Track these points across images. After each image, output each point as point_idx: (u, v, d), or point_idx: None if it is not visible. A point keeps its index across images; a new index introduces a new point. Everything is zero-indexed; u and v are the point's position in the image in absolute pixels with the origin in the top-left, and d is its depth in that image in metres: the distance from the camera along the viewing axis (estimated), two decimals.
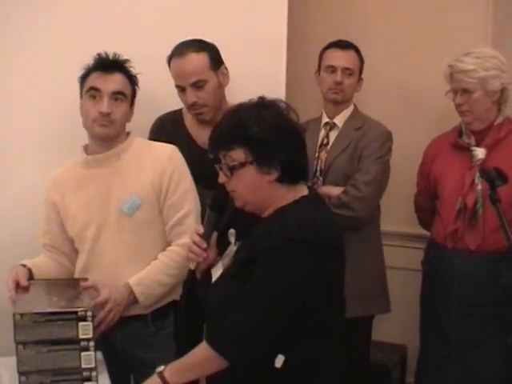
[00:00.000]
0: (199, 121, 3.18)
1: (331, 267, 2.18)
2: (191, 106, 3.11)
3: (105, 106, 2.73)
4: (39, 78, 3.15)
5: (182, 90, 3.10)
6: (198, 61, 3.07)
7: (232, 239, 2.32)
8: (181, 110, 3.28)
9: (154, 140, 3.02)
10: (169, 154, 2.83)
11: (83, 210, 2.81)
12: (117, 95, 2.76)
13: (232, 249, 2.31)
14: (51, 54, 3.15)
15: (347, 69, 3.46)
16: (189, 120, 3.26)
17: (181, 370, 2.15)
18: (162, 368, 2.15)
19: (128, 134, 2.89)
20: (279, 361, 2.11)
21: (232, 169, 2.16)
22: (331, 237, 2.16)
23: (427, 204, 3.57)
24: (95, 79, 2.77)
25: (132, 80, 2.84)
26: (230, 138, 2.15)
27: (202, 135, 3.08)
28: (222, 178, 2.21)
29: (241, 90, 3.34)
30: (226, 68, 3.17)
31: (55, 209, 2.87)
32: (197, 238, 2.31)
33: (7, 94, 3.16)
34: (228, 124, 2.18)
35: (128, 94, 2.81)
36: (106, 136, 2.78)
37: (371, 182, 3.35)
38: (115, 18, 3.24)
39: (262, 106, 2.21)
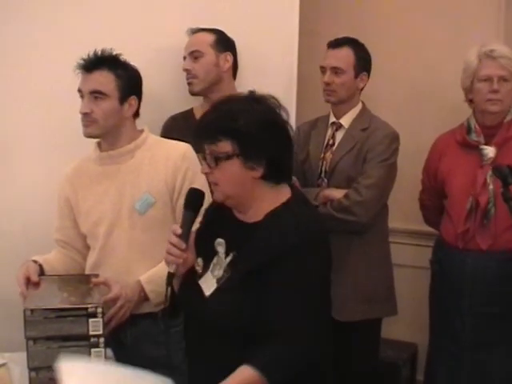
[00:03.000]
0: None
1: (328, 265, 2.16)
2: (186, 75, 3.27)
3: (82, 106, 2.74)
4: (46, 74, 3.15)
5: (184, 59, 3.27)
6: (201, 36, 3.29)
7: (220, 249, 2.23)
8: (191, 109, 3.35)
9: (166, 137, 3.02)
10: (183, 152, 2.82)
11: (96, 206, 2.81)
12: (95, 94, 2.74)
13: (222, 259, 2.21)
14: (57, 48, 3.15)
15: (335, 68, 3.38)
16: (199, 113, 3.27)
17: None
18: None
19: (141, 131, 2.88)
20: None
21: (217, 160, 2.10)
22: (325, 236, 2.16)
23: (433, 202, 3.55)
24: (80, 80, 2.78)
25: (121, 75, 2.78)
26: (217, 128, 2.10)
27: None
28: (204, 169, 2.16)
29: (253, 86, 3.36)
30: (231, 57, 3.29)
31: (68, 204, 2.88)
32: (175, 240, 2.19)
33: (15, 89, 3.17)
34: (217, 114, 2.13)
35: (109, 91, 2.75)
36: (91, 135, 2.79)
37: (373, 186, 3.29)
38: (126, 14, 3.24)
39: (254, 99, 2.18)
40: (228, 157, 2.09)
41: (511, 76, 3.19)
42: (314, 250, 2.08)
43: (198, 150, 2.20)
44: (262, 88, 3.29)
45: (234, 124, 2.08)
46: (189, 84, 3.26)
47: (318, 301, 2.08)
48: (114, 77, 2.76)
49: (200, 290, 2.20)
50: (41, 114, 3.17)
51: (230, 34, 3.25)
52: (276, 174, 2.15)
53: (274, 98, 2.20)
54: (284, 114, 2.19)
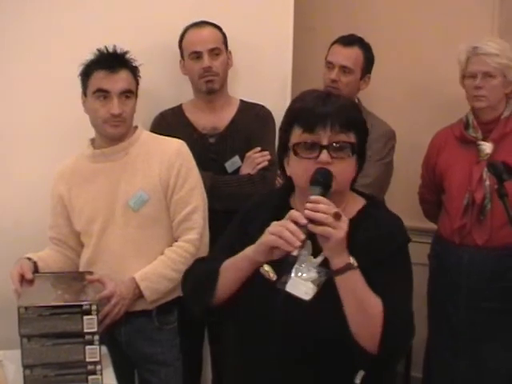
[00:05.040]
0: (198, 107, 3.27)
1: None
2: (204, 73, 3.17)
3: (115, 107, 2.71)
4: (44, 71, 3.13)
5: (197, 56, 3.18)
6: (215, 32, 3.22)
7: (304, 251, 1.94)
8: (180, 105, 3.32)
9: (155, 133, 3.01)
10: (177, 148, 2.82)
11: (90, 203, 2.80)
12: (126, 94, 2.74)
13: (309, 260, 1.96)
14: (55, 46, 3.14)
15: (345, 67, 3.39)
16: (189, 109, 3.30)
17: (357, 285, 1.90)
18: (354, 263, 1.90)
19: (135, 128, 2.88)
20: (359, 376, 1.97)
21: (353, 150, 1.98)
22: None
23: (432, 196, 3.56)
24: (101, 80, 2.73)
25: (135, 72, 2.82)
26: (352, 118, 2.01)
27: (201, 121, 3.25)
28: (326, 157, 1.95)
29: (247, 83, 3.37)
30: (231, 53, 3.26)
31: (62, 202, 2.87)
32: (318, 216, 1.86)
33: (12, 86, 3.15)
34: (346, 103, 2.05)
35: (134, 90, 2.79)
36: (119, 135, 2.78)
37: (371, 185, 3.25)
38: (119, 11, 3.23)
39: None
40: (355, 150, 2.00)
41: (498, 72, 3.19)
42: (407, 251, 2.08)
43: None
44: (258, 84, 3.33)
45: (360, 117, 2.06)
46: (209, 81, 3.18)
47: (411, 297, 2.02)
48: (133, 75, 2.79)
49: (282, 298, 1.95)
50: (34, 111, 3.15)
51: (224, 31, 3.23)
52: (355, 179, 2.10)
53: None
54: None
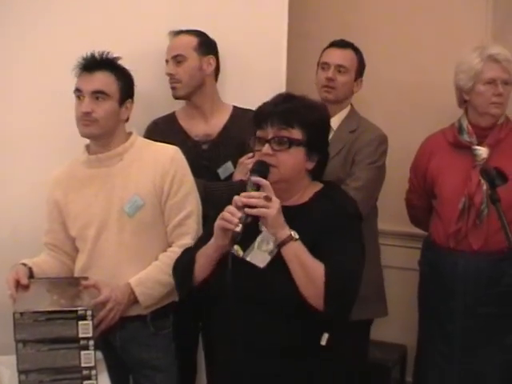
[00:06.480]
0: (189, 114, 3.30)
1: None
2: (169, 79, 3.23)
3: (84, 105, 2.74)
4: (40, 76, 3.15)
5: (167, 63, 3.24)
6: (184, 39, 3.24)
7: (265, 228, 2.34)
8: (173, 112, 3.34)
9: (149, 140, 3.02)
10: (171, 155, 2.83)
11: (85, 209, 2.81)
12: (97, 94, 2.75)
13: (269, 236, 2.32)
14: (51, 51, 3.15)
15: (340, 66, 3.43)
16: (182, 116, 3.32)
17: (299, 253, 2.25)
18: (294, 235, 2.26)
19: (130, 134, 2.89)
20: (324, 338, 2.30)
21: (291, 144, 2.33)
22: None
23: (422, 202, 3.54)
24: (79, 80, 2.79)
25: (121, 77, 2.82)
26: (296, 116, 2.34)
27: (194, 128, 3.26)
28: (266, 150, 2.33)
29: (241, 88, 3.37)
30: (214, 60, 3.26)
31: (57, 208, 2.87)
32: (253, 200, 2.24)
33: (8, 92, 3.16)
34: (295, 104, 2.38)
35: (111, 92, 2.78)
36: (90, 135, 2.80)
37: (362, 188, 3.29)
38: (115, 17, 3.24)
39: (321, 103, 2.68)
40: (298, 144, 2.34)
41: (511, 79, 3.21)
42: (360, 221, 2.47)
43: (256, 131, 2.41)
44: (251, 90, 3.34)
45: (310, 116, 2.37)
46: (172, 88, 3.22)
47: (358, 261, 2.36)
48: (115, 78, 2.80)
49: (246, 267, 2.32)
50: (30, 118, 3.16)
51: (217, 37, 3.24)
52: (319, 170, 2.46)
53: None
54: None
